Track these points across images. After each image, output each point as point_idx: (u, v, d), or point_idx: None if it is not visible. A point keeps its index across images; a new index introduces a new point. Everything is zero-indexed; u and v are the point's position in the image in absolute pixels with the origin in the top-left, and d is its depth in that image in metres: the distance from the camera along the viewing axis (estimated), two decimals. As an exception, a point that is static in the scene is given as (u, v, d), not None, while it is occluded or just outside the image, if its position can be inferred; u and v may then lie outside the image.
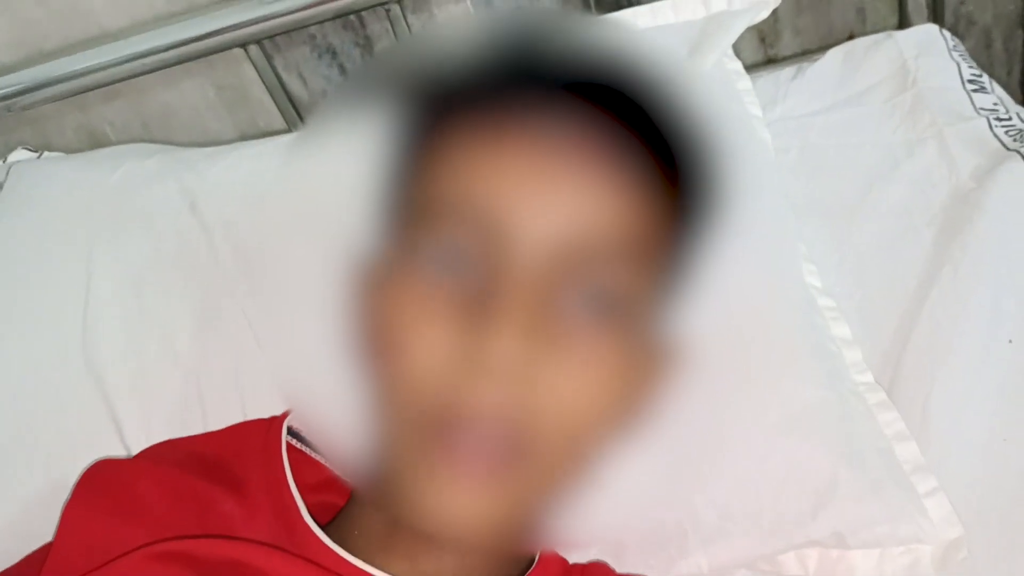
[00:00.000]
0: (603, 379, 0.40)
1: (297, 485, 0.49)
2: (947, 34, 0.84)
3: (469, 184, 0.39)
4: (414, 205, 0.42)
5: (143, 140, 1.02)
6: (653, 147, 0.40)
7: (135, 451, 0.68)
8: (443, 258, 0.40)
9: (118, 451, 0.68)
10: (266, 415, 0.67)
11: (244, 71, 1.00)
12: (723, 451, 0.58)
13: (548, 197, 0.39)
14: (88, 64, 0.91)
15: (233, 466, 0.51)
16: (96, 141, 1.05)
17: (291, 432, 0.53)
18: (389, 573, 0.45)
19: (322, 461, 0.53)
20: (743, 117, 0.79)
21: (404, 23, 0.92)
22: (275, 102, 0.99)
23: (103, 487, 0.49)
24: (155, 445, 0.56)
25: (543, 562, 0.51)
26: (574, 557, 0.54)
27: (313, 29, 0.97)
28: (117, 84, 0.94)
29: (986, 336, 0.64)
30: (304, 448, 0.53)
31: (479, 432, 0.38)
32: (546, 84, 0.40)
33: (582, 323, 0.39)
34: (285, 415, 0.54)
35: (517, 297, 0.38)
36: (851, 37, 0.92)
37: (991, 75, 0.84)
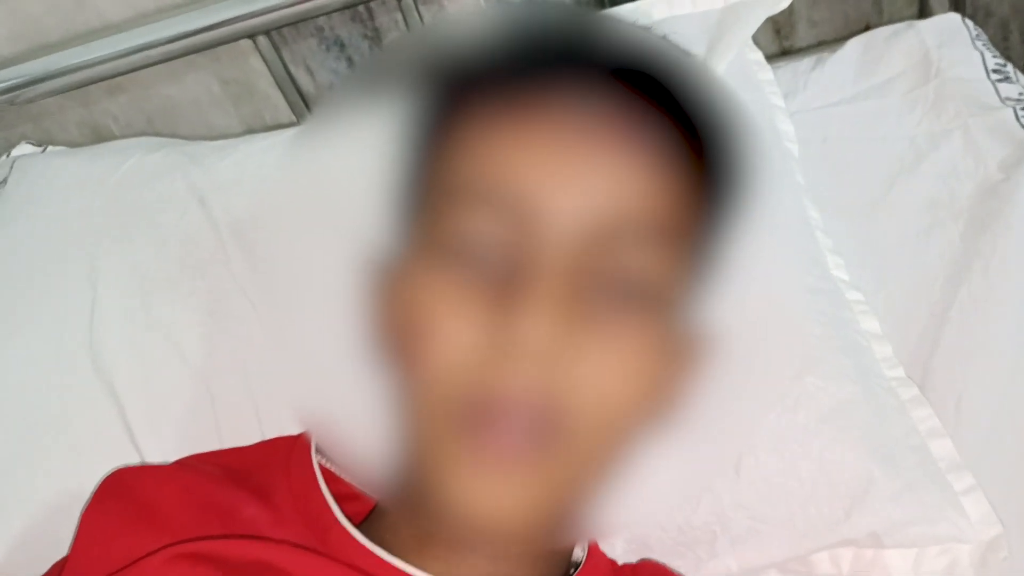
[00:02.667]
0: (635, 365, 0.39)
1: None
2: (970, 23, 0.83)
3: (497, 165, 0.38)
4: (435, 192, 0.41)
5: (147, 135, 1.00)
6: (684, 132, 0.39)
7: (147, 455, 0.67)
8: (467, 243, 0.38)
9: (130, 455, 0.66)
10: (278, 417, 0.66)
11: (250, 64, 0.98)
12: (752, 447, 0.57)
13: (581, 176, 0.38)
14: (91, 56, 0.89)
15: (257, 475, 0.50)
16: (100, 137, 1.03)
17: (317, 448, 0.51)
18: (427, 573, 0.44)
19: (345, 477, 0.51)
20: (765, 107, 0.77)
21: (416, 13, 0.90)
22: (284, 95, 0.97)
23: (121, 493, 0.48)
24: (176, 460, 0.55)
25: (590, 564, 0.49)
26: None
27: (321, 21, 0.95)
28: (121, 78, 0.93)
29: (1019, 333, 0.63)
30: (329, 465, 0.51)
31: (513, 418, 0.37)
32: (576, 66, 0.39)
33: (614, 308, 0.38)
34: None
35: (549, 277, 0.37)
36: (867, 28, 0.91)
37: (1008, 68, 0.82)
